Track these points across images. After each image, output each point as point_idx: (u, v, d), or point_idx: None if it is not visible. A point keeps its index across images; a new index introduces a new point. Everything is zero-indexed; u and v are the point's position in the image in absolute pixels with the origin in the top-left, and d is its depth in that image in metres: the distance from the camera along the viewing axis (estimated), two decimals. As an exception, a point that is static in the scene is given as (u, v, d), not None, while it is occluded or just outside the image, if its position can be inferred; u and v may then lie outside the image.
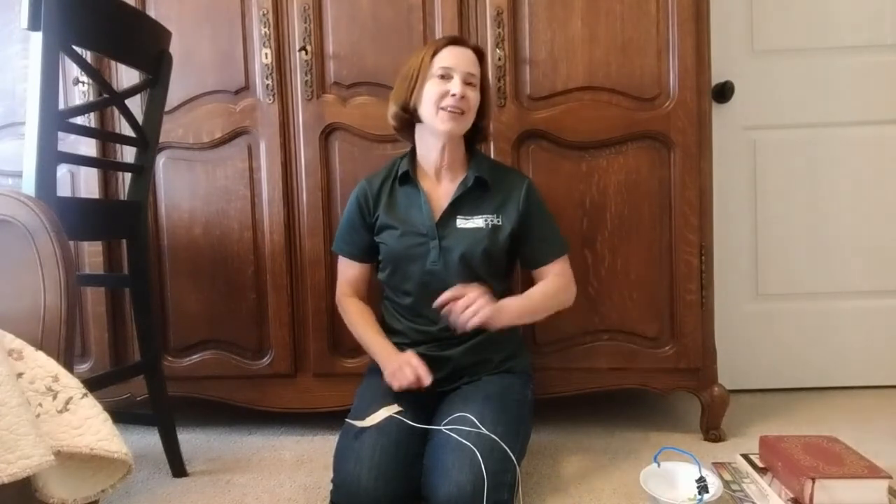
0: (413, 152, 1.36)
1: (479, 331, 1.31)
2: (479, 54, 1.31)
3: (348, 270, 1.41)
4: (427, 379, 1.21)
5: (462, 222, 1.30)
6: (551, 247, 1.35)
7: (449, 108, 1.24)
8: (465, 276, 1.28)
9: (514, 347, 1.38)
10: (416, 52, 1.32)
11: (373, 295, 1.44)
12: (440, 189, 1.34)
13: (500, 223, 1.31)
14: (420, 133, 1.33)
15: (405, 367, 1.22)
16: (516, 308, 1.27)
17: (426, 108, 1.27)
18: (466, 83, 1.26)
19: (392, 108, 1.33)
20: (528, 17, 1.50)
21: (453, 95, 1.23)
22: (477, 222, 1.30)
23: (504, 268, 1.35)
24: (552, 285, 1.34)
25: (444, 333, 1.30)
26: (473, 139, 1.37)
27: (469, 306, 1.17)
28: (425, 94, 1.27)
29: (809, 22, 1.86)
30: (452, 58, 1.26)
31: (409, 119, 1.31)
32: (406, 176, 1.33)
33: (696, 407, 1.57)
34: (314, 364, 1.58)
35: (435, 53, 1.27)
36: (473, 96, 1.27)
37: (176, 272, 1.62)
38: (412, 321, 1.34)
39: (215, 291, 1.60)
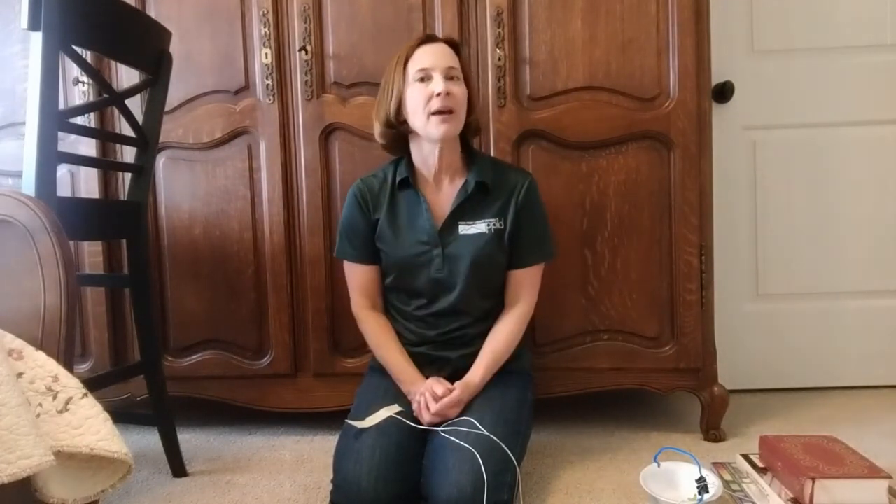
0: (408, 159, 1.32)
1: (480, 334, 1.31)
2: (454, 46, 1.27)
3: (358, 277, 1.36)
4: (426, 416, 1.20)
5: (465, 228, 1.28)
6: (532, 251, 1.32)
7: (438, 110, 1.19)
8: (471, 283, 1.27)
9: (515, 348, 1.37)
10: (390, 63, 1.28)
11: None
12: (441, 195, 1.31)
13: (503, 226, 1.29)
14: (414, 142, 1.29)
15: (421, 399, 1.22)
16: (482, 376, 1.26)
17: (415, 118, 1.23)
18: (448, 78, 1.21)
19: (377, 128, 1.29)
20: (528, 17, 1.50)
21: (438, 95, 1.19)
22: (480, 227, 1.28)
23: (506, 271, 1.34)
24: (516, 321, 1.31)
25: (443, 337, 1.31)
26: (466, 135, 1.32)
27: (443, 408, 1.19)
28: (410, 103, 1.23)
29: (809, 22, 1.85)
30: (427, 57, 1.22)
31: (397, 133, 1.28)
32: (405, 182, 1.30)
33: (696, 407, 1.57)
34: (314, 364, 1.58)
35: (408, 59, 1.23)
36: (459, 91, 1.23)
37: (176, 272, 1.62)
38: (413, 324, 1.33)
39: (215, 291, 1.60)
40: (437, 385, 1.22)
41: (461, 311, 1.29)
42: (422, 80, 1.22)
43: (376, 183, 1.34)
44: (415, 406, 1.23)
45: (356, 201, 1.33)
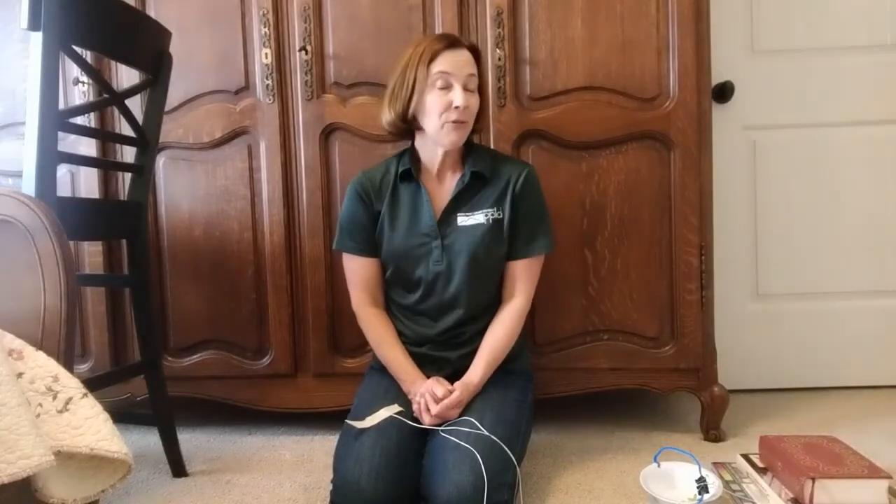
0: (412, 150, 1.34)
1: (479, 332, 1.31)
2: (476, 53, 1.27)
3: (359, 271, 1.35)
4: (426, 418, 1.20)
5: (463, 219, 1.28)
6: (529, 241, 1.31)
7: (454, 121, 1.21)
8: (469, 275, 1.27)
9: (515, 348, 1.36)
10: (408, 52, 1.25)
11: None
12: (442, 187, 1.32)
13: (501, 215, 1.29)
14: (421, 138, 1.31)
15: (426, 397, 1.21)
16: (482, 375, 1.26)
17: (429, 121, 1.24)
18: (467, 89, 1.22)
19: (388, 115, 1.28)
20: (528, 17, 1.50)
21: (457, 108, 1.20)
22: (477, 218, 1.28)
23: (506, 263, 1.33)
24: (513, 317, 1.30)
25: (443, 335, 1.30)
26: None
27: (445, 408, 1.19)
28: (428, 107, 1.23)
29: (809, 22, 1.85)
30: (450, 63, 1.21)
31: (407, 127, 1.28)
32: (407, 173, 1.31)
33: (696, 407, 1.57)
34: (314, 364, 1.58)
35: (431, 60, 1.22)
36: (475, 102, 1.25)
37: (176, 272, 1.62)
38: (413, 320, 1.33)
39: (215, 291, 1.60)
40: (438, 386, 1.22)
41: (460, 304, 1.29)
42: (442, 87, 1.21)
43: (378, 175, 1.34)
44: (415, 406, 1.23)
45: (357, 194, 1.33)
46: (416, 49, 1.24)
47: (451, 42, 1.24)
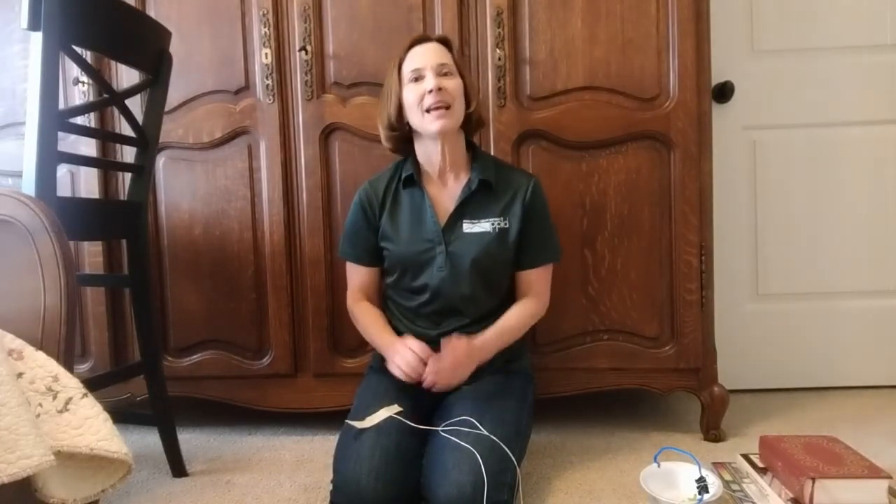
0: (415, 157, 1.35)
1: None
2: (445, 43, 1.29)
3: (357, 276, 1.39)
4: (430, 378, 1.21)
5: (468, 227, 1.29)
6: (540, 252, 1.33)
7: (432, 106, 1.23)
8: (473, 281, 1.28)
9: (515, 348, 1.37)
10: (388, 67, 1.32)
11: (382, 298, 1.42)
12: (445, 193, 1.32)
13: (507, 225, 1.30)
14: (418, 141, 1.32)
15: (403, 351, 1.22)
16: (485, 338, 1.27)
17: (413, 116, 1.26)
18: (440, 74, 1.24)
19: (382, 132, 1.33)
20: (528, 17, 1.50)
21: (430, 92, 1.22)
22: (484, 226, 1.29)
23: (511, 271, 1.34)
24: (528, 309, 1.33)
25: (444, 337, 1.30)
26: (469, 132, 1.35)
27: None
28: (406, 102, 1.26)
29: (809, 22, 1.85)
30: (417, 58, 1.26)
31: (401, 135, 1.31)
32: (410, 179, 1.32)
33: (696, 407, 1.57)
34: (314, 364, 1.58)
35: (401, 62, 1.28)
36: (453, 85, 1.25)
37: (176, 272, 1.62)
38: (414, 323, 1.33)
39: (215, 291, 1.60)
40: (412, 342, 1.23)
41: (464, 310, 1.30)
42: (415, 80, 1.25)
43: (381, 185, 1.35)
44: (394, 370, 1.23)
45: (361, 206, 1.35)
46: (393, 61, 1.30)
47: (416, 40, 1.29)
